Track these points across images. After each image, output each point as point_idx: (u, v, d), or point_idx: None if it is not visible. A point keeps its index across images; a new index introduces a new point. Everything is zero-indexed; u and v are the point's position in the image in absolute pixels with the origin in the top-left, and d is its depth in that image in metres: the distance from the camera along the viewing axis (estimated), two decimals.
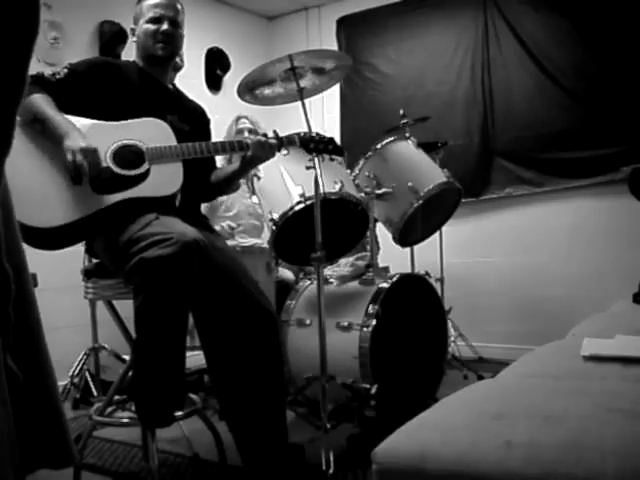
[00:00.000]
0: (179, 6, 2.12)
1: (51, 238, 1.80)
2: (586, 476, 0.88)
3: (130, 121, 1.94)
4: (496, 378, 1.48)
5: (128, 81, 2.07)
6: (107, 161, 1.87)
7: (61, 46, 3.49)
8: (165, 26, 2.06)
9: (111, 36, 3.74)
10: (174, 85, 2.28)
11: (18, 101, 0.75)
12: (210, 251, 1.85)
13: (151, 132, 1.95)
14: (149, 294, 1.70)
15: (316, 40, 4.69)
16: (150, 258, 1.67)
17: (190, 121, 2.16)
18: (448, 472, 0.98)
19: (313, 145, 2.14)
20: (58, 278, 3.03)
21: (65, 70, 1.96)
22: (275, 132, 2.11)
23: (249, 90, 2.39)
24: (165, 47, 2.08)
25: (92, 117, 1.93)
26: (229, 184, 2.25)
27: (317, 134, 2.16)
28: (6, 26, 0.68)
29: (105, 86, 2.01)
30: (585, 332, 1.86)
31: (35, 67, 1.14)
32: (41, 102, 1.85)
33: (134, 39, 2.14)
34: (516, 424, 1.03)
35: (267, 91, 2.43)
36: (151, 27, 2.07)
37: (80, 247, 2.97)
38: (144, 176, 1.89)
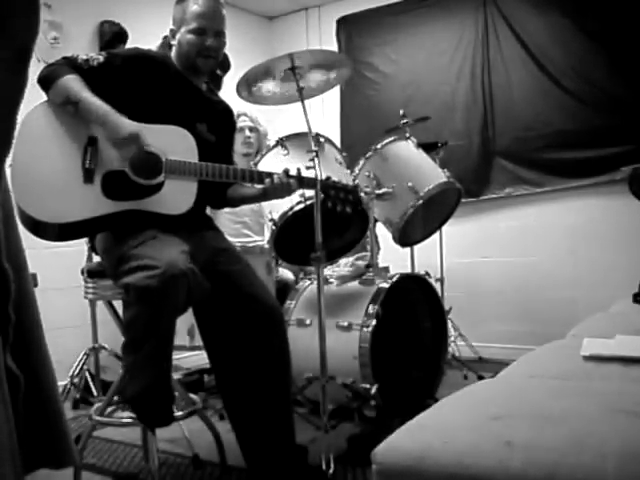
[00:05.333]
0: (224, 11, 2.02)
1: (53, 232, 1.80)
2: (586, 477, 0.88)
3: (156, 126, 1.87)
4: (496, 378, 1.48)
5: (163, 81, 1.99)
6: (124, 164, 1.83)
7: (61, 46, 3.48)
8: (210, 41, 1.98)
9: (111, 36, 3.72)
10: (208, 84, 2.17)
11: (18, 102, 0.75)
12: (199, 277, 1.75)
13: (174, 142, 1.88)
14: (136, 313, 1.68)
15: (316, 40, 4.68)
16: (136, 286, 1.65)
17: (218, 130, 2.11)
18: (448, 472, 0.98)
19: (333, 192, 2.11)
20: (58, 278, 3.04)
21: (101, 59, 1.89)
22: (298, 170, 2.06)
23: (248, 88, 2.37)
24: (207, 62, 2.01)
25: (119, 112, 1.84)
26: (242, 202, 2.26)
27: (339, 182, 2.14)
28: (6, 26, 0.68)
29: (138, 83, 1.92)
30: (585, 332, 1.86)
31: (35, 67, 1.14)
32: (74, 83, 1.80)
33: (174, 42, 2.04)
34: (516, 424, 1.03)
35: (266, 90, 2.42)
36: (195, 39, 1.98)
37: (80, 247, 2.98)
38: (157, 188, 1.85)
